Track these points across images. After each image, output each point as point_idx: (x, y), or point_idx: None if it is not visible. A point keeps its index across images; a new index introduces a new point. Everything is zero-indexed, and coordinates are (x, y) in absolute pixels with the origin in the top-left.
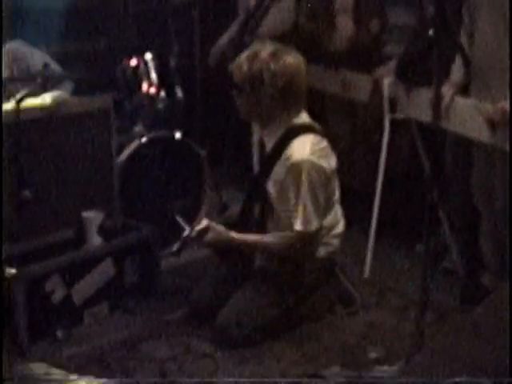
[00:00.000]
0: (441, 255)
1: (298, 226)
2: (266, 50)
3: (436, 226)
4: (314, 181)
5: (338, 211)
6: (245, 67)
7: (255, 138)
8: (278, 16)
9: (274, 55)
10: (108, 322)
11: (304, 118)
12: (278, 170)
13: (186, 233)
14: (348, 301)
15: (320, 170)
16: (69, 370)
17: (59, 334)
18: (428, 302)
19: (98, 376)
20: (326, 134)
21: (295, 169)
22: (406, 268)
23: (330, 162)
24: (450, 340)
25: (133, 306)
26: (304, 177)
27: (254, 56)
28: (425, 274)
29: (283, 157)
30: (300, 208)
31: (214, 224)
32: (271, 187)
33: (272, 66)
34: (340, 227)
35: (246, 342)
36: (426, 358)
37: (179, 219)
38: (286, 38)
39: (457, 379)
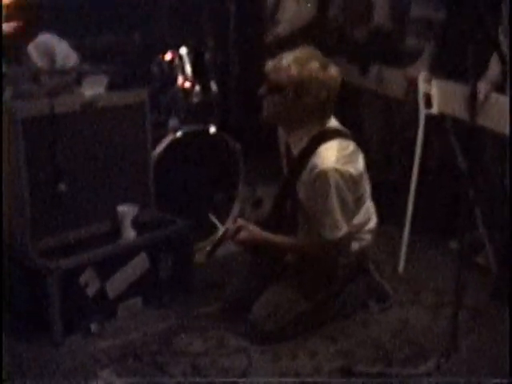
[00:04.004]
0: (474, 251)
1: (325, 233)
2: (315, 58)
3: (470, 222)
4: (341, 188)
5: (369, 207)
6: (294, 71)
7: (281, 142)
8: (297, 11)
9: (323, 65)
10: (142, 315)
11: (331, 122)
12: (306, 176)
13: (220, 233)
14: (381, 297)
15: (347, 176)
16: (102, 363)
17: (93, 327)
18: (462, 300)
19: (130, 369)
20: (353, 137)
21: (322, 177)
22: (440, 264)
23: (357, 166)
24: (485, 339)
25: (167, 300)
26: (331, 185)
27: (304, 62)
28: (459, 271)
29: (310, 164)
30: (328, 215)
31: (247, 223)
32: (300, 190)
33: (321, 76)
34: (372, 222)
35: (279, 337)
36: (460, 356)
37: (213, 218)
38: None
39: (494, 380)
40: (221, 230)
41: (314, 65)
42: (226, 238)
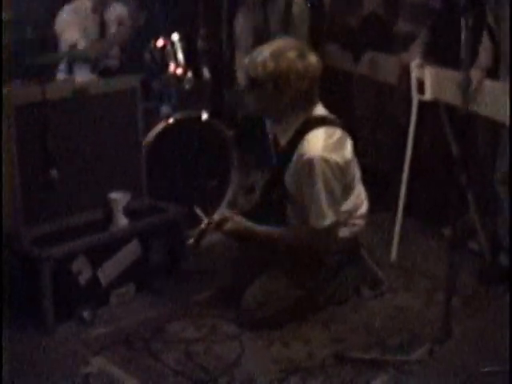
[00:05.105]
0: (466, 236)
1: (313, 222)
2: (292, 48)
3: (463, 208)
4: (327, 177)
5: (361, 192)
6: (270, 64)
7: (269, 132)
8: None
9: (300, 55)
10: (134, 302)
11: (318, 109)
12: (293, 166)
13: (203, 225)
14: (374, 283)
15: (333, 164)
16: (94, 350)
17: (85, 314)
18: (455, 286)
19: (123, 357)
20: (340, 124)
21: (308, 166)
22: (432, 250)
23: (344, 153)
24: (478, 325)
25: (159, 287)
26: (317, 174)
27: (280, 54)
28: (451, 257)
29: (296, 153)
30: (315, 204)
31: (232, 214)
32: (287, 179)
33: (299, 66)
34: (364, 207)
35: (271, 324)
36: (453, 342)
37: (197, 210)
38: None
39: (487, 368)
40: (204, 221)
41: (291, 55)
42: (210, 229)
